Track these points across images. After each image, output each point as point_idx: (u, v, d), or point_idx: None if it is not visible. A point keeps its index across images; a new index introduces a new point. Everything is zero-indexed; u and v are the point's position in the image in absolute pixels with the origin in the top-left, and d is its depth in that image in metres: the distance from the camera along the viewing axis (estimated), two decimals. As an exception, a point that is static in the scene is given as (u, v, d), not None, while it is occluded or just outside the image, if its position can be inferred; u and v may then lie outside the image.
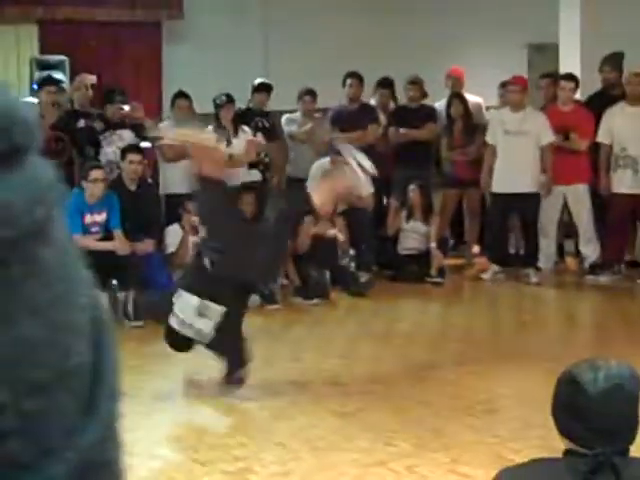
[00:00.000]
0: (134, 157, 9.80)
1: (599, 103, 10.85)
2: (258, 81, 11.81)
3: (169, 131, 8.23)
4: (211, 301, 6.96)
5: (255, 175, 11.05)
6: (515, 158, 10.46)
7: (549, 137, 10.52)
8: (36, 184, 0.51)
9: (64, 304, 0.48)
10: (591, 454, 2.87)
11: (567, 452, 2.94)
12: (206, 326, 6.96)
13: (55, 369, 0.46)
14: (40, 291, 0.48)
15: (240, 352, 7.15)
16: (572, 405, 2.98)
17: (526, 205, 10.65)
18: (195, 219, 9.93)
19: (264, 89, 11.66)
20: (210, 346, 7.09)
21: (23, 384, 0.45)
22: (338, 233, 10.51)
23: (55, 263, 0.49)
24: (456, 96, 11.75)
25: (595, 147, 10.64)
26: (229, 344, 7.11)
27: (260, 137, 11.18)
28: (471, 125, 11.56)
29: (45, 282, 0.47)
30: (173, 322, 7.14)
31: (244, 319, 7.33)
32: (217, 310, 6.94)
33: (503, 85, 11.81)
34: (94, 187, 9.34)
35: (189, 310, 6.99)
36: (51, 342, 0.46)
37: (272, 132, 11.49)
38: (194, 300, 6.98)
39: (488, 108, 12.15)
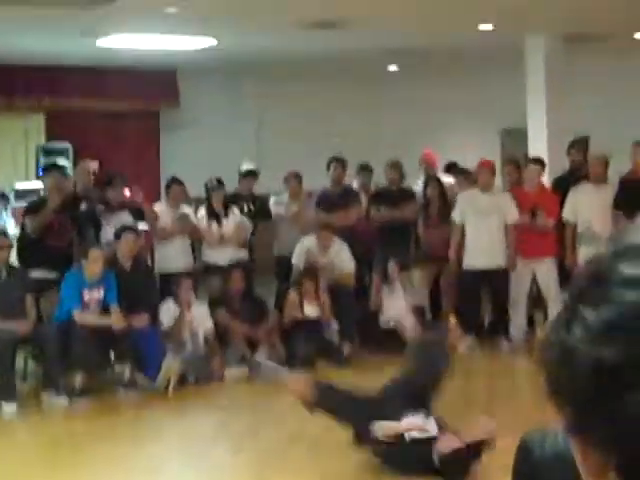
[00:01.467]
0: (129, 237, 9.87)
1: (566, 184, 10.97)
2: (245, 167, 11.93)
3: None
4: None
5: (243, 255, 11.12)
6: (485, 236, 10.54)
7: (515, 216, 10.63)
8: None
9: None
10: None
11: None
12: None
13: None
14: None
15: None
16: (522, 470, 3.03)
17: (497, 280, 10.72)
18: (191, 295, 10.00)
19: (251, 175, 11.78)
20: None
21: None
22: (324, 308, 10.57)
23: None
24: (433, 178, 11.86)
25: (561, 224, 10.72)
26: None
27: (246, 219, 11.28)
28: (446, 205, 11.66)
29: None
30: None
31: None
32: None
33: (455, 170, 11.97)
34: (93, 266, 9.40)
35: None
36: None
37: (258, 214, 11.59)
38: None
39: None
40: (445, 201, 11.69)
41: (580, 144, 11.42)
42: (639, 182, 10.49)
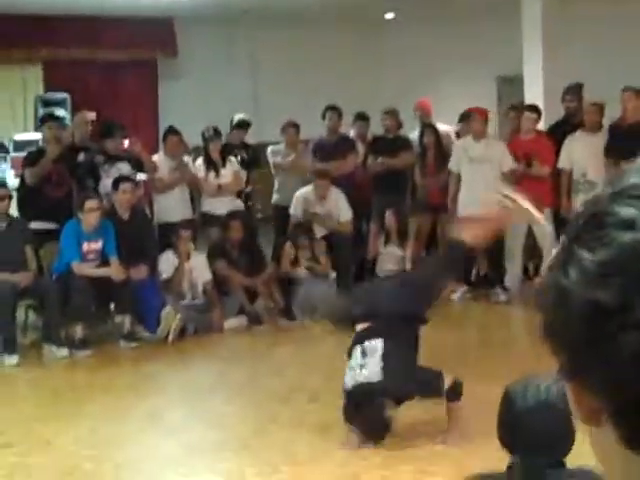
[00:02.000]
0: (126, 187, 9.79)
1: (561, 131, 10.86)
2: (237, 118, 11.79)
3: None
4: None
5: (239, 205, 11.05)
6: (479, 184, 10.45)
7: (509, 164, 10.54)
8: None
9: None
10: (525, 467, 2.90)
11: (508, 467, 2.96)
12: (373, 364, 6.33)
13: None
14: None
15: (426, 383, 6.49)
16: (506, 420, 3.02)
17: None
18: (190, 246, 9.94)
19: (242, 126, 11.66)
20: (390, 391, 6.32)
21: None
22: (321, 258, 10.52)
23: None
24: (428, 126, 11.75)
25: (557, 173, 10.63)
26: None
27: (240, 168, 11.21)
28: (442, 153, 11.56)
29: None
30: (347, 382, 6.51)
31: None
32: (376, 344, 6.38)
33: (462, 118, 11.77)
34: (89, 217, 9.34)
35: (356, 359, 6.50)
36: None
37: (251, 163, 11.50)
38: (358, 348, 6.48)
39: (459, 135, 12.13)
40: (441, 149, 11.61)
41: (574, 90, 11.29)
42: (627, 128, 10.34)
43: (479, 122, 10.81)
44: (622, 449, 0.78)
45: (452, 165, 10.91)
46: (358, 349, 6.47)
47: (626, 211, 0.77)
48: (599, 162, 10.34)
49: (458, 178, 10.80)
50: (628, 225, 0.76)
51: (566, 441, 2.94)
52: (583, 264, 0.77)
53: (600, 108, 10.67)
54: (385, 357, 6.27)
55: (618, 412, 0.76)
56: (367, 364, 6.34)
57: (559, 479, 2.87)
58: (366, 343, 6.42)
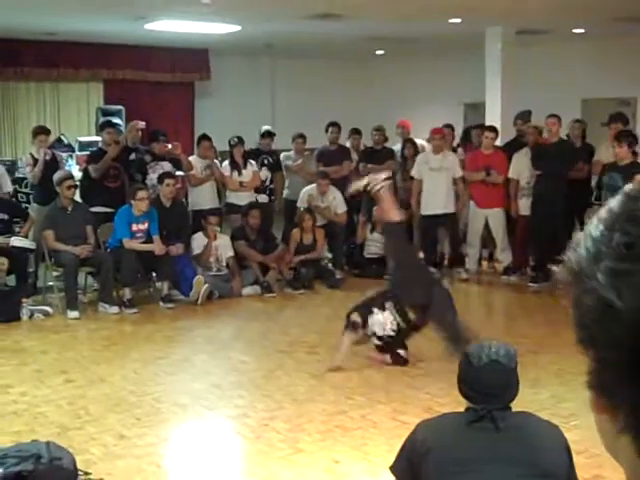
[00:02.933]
0: (169, 181, 9.79)
1: (512, 148, 10.84)
2: (264, 129, 11.78)
3: None
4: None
5: (264, 198, 11.06)
6: (437, 188, 10.48)
7: (459, 172, 10.57)
8: None
9: None
10: (477, 409, 2.93)
11: (467, 408, 2.98)
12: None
13: None
14: None
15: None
16: (463, 374, 3.04)
17: (447, 221, 10.67)
18: (217, 228, 9.94)
19: (268, 135, 11.64)
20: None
21: None
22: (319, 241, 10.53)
23: None
24: (409, 141, 11.75)
25: (507, 181, 10.62)
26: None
27: (265, 170, 11.21)
28: None
29: None
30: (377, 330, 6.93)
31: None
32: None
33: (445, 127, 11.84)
34: (140, 203, 9.33)
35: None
36: None
37: (275, 166, 11.50)
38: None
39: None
40: None
41: (523, 116, 11.26)
42: (551, 145, 10.23)
43: (437, 139, 10.81)
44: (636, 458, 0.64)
45: (414, 173, 10.88)
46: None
47: None
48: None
49: (420, 183, 10.78)
50: None
51: (511, 391, 2.98)
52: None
53: (539, 130, 10.64)
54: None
55: (634, 432, 0.62)
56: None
57: (504, 418, 2.90)
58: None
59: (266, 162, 11.30)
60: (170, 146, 10.72)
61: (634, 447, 0.63)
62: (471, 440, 2.90)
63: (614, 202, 0.65)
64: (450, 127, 11.82)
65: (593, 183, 10.41)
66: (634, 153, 9.09)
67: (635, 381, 0.59)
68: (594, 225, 0.65)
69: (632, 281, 0.58)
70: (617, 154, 9.03)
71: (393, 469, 3.02)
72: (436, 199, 10.51)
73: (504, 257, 10.75)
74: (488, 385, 2.93)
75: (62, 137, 13.67)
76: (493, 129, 10.86)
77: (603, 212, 0.66)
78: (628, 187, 0.66)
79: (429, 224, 10.66)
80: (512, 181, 10.51)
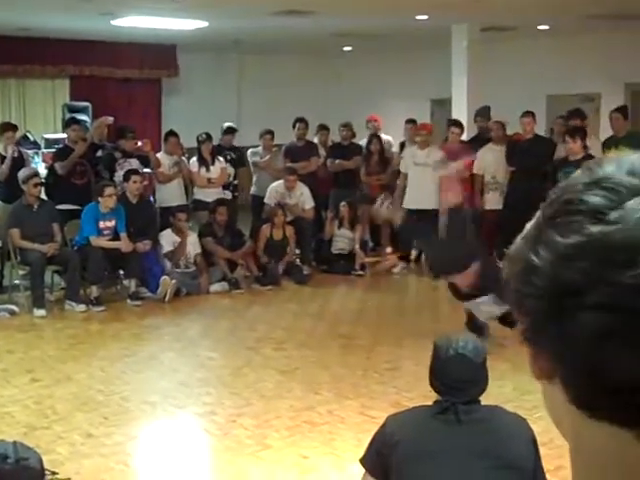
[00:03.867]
0: (136, 178, 9.73)
1: (476, 144, 10.89)
2: (226, 125, 11.76)
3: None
4: None
5: (227, 194, 11.03)
6: (421, 183, 10.47)
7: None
8: None
9: None
10: (442, 401, 2.96)
11: (435, 401, 3.01)
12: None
13: None
14: None
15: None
16: (432, 366, 3.07)
17: (429, 217, 10.65)
18: (186, 225, 9.90)
19: (230, 131, 11.62)
20: None
21: None
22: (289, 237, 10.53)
23: None
24: (375, 136, 11.76)
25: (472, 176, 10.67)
26: None
27: (228, 166, 11.17)
28: (384, 158, 11.62)
29: None
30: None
31: None
32: None
33: (407, 122, 11.85)
34: (108, 200, 9.26)
35: None
36: None
37: (238, 162, 11.47)
38: None
39: (402, 144, 12.12)
40: (383, 155, 11.66)
41: (483, 112, 11.32)
42: (525, 142, 10.32)
43: (423, 135, 10.82)
44: (571, 407, 0.71)
45: (402, 167, 10.88)
46: None
47: (597, 201, 0.68)
48: (505, 167, 10.41)
49: (406, 177, 10.78)
50: (598, 216, 0.68)
51: (477, 387, 3.01)
52: (553, 245, 0.69)
53: (502, 125, 10.71)
54: None
55: (568, 377, 0.70)
56: None
57: (469, 411, 2.93)
58: None
59: (229, 158, 11.27)
60: (140, 143, 10.66)
61: (566, 396, 0.71)
62: (435, 432, 2.93)
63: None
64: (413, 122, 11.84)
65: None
66: (585, 147, 9.23)
67: (556, 321, 0.69)
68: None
69: (541, 240, 0.71)
70: (571, 149, 9.17)
71: (363, 461, 3.05)
72: (420, 194, 10.49)
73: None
74: (453, 378, 2.95)
75: (28, 134, 13.53)
76: (459, 124, 10.91)
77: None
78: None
79: (411, 218, 10.68)
80: (477, 176, 10.57)
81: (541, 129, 11.57)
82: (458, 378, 2.95)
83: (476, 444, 2.87)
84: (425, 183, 10.42)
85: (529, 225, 0.75)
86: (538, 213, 0.74)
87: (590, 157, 9.03)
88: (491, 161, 10.39)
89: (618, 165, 0.70)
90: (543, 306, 0.69)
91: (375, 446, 3.01)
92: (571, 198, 0.71)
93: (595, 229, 0.67)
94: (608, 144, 9.76)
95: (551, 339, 0.70)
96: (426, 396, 3.15)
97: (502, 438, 2.91)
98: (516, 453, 2.88)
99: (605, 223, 0.67)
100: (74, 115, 12.69)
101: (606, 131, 10.57)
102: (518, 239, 0.76)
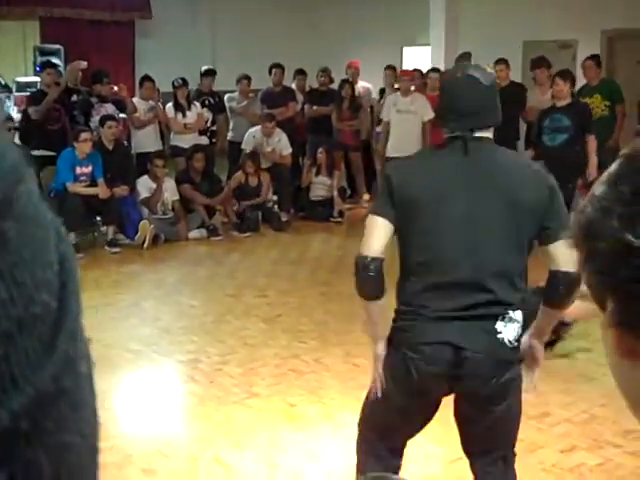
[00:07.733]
0: (111, 123, 9.55)
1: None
2: (204, 68, 11.55)
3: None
4: None
5: (205, 140, 10.87)
6: (404, 131, 10.34)
7: (429, 115, 10.39)
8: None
9: (28, 265, 0.42)
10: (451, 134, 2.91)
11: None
12: None
13: (16, 319, 0.40)
14: (2, 258, 0.42)
15: None
16: (442, 98, 3.02)
17: None
18: (164, 171, 9.76)
19: (209, 74, 11.42)
20: None
21: None
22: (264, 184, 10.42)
23: (18, 234, 0.42)
24: (346, 82, 11.61)
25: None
26: None
27: (206, 111, 11.00)
28: (356, 104, 11.49)
29: (7, 250, 0.41)
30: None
31: None
32: None
33: (387, 68, 11.70)
34: (83, 145, 9.08)
35: None
36: (11, 297, 0.40)
37: (217, 107, 11.29)
38: None
39: (382, 91, 11.98)
40: (355, 100, 11.52)
41: (463, 59, 11.17)
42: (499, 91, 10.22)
43: (406, 81, 10.66)
44: None
45: (383, 115, 10.73)
46: None
47: None
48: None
49: (387, 125, 10.65)
50: None
51: (491, 112, 2.94)
52: None
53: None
54: None
55: None
56: None
57: (478, 148, 2.89)
58: None
59: (207, 103, 11.09)
60: (116, 88, 10.45)
61: None
62: (441, 166, 2.89)
63: (613, 165, 0.70)
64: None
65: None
66: (572, 94, 9.07)
67: None
68: (596, 187, 0.70)
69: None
70: (559, 92, 8.82)
71: (373, 209, 2.99)
72: (403, 142, 10.36)
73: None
74: (465, 102, 2.86)
75: (-1, 77, 13.24)
76: (438, 71, 10.79)
77: (604, 176, 0.71)
78: (626, 149, 0.71)
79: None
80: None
81: (517, 76, 11.47)
82: (470, 101, 2.87)
83: (484, 179, 2.83)
84: (408, 130, 10.28)
85: (603, 199, 0.68)
86: (619, 187, 0.68)
87: (579, 103, 8.95)
88: None
89: None
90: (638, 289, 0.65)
91: (383, 195, 2.95)
92: None
93: None
94: (582, 93, 9.66)
95: None
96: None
97: (510, 175, 2.86)
98: (525, 194, 2.82)
99: None
100: (48, 58, 12.38)
101: (582, 78, 10.49)
102: (592, 213, 0.69)
